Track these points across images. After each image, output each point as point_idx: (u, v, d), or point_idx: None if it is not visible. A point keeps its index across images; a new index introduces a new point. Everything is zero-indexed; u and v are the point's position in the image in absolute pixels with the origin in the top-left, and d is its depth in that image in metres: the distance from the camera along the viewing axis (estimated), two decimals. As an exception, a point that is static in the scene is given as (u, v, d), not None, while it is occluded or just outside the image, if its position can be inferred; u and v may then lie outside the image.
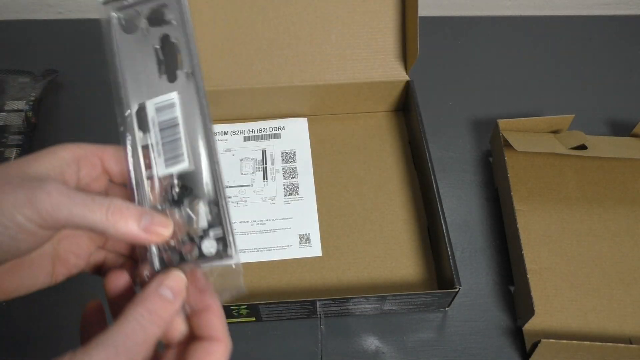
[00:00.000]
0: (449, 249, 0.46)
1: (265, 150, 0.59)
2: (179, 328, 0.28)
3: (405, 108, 0.62)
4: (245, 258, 0.52)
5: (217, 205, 0.29)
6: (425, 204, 0.55)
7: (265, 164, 0.58)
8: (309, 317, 0.48)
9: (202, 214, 0.29)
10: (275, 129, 0.61)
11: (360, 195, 0.56)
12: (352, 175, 0.58)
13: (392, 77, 0.59)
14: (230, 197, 0.54)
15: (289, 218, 0.54)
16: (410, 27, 0.57)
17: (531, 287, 0.45)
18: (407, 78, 0.59)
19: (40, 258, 0.28)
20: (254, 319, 0.48)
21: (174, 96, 0.30)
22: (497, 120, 0.56)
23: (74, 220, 0.25)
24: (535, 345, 0.44)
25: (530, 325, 0.46)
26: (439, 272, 0.50)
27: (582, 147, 0.55)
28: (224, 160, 0.56)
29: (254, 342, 0.48)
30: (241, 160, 0.58)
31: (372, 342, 0.48)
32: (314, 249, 0.53)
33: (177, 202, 0.29)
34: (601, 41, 0.72)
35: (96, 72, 0.68)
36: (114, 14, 0.31)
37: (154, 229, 0.27)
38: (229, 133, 0.61)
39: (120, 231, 0.26)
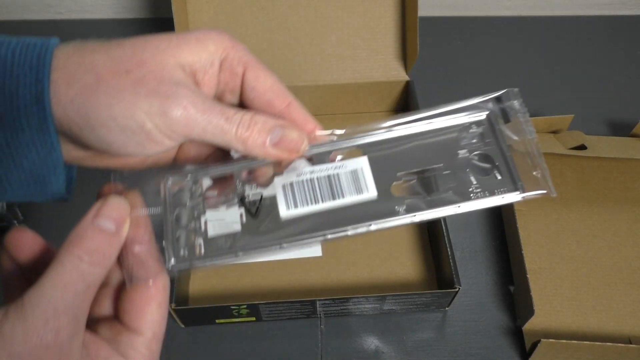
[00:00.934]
0: (448, 249, 0.46)
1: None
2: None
3: (405, 108, 0.62)
4: (245, 258, 0.51)
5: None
6: (425, 204, 0.55)
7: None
8: (309, 317, 0.48)
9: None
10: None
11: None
12: (352, 175, 0.58)
13: (392, 77, 0.59)
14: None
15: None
16: (410, 28, 0.57)
17: (531, 287, 0.45)
18: (407, 78, 0.59)
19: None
20: (254, 318, 0.48)
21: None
22: (497, 120, 0.56)
23: (204, 138, 0.23)
24: (534, 345, 0.44)
25: (530, 325, 0.47)
26: (439, 272, 0.50)
27: (582, 147, 0.55)
28: None
29: (254, 342, 0.48)
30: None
31: (372, 342, 0.48)
32: (314, 249, 0.52)
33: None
34: (601, 41, 0.72)
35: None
36: None
37: (286, 145, 0.25)
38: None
39: (250, 147, 0.24)
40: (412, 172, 0.27)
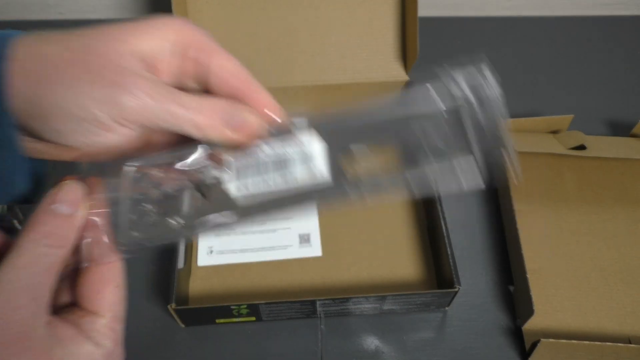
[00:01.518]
0: (448, 249, 0.46)
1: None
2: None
3: (405, 108, 0.62)
4: (245, 258, 0.52)
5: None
6: (425, 203, 0.55)
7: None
8: (309, 317, 0.48)
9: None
10: None
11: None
12: (352, 176, 0.58)
13: (392, 78, 0.59)
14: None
15: (289, 218, 0.54)
16: (410, 28, 0.57)
17: (531, 286, 0.45)
18: (407, 78, 0.59)
19: None
20: (254, 318, 0.48)
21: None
22: (497, 120, 0.56)
23: (160, 125, 0.23)
24: (534, 345, 0.44)
25: (530, 325, 0.47)
26: (439, 272, 0.50)
27: (582, 147, 0.55)
28: None
29: (254, 342, 0.48)
30: None
31: (372, 342, 0.48)
32: (314, 249, 0.52)
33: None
34: (601, 41, 0.72)
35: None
36: None
37: (242, 130, 0.25)
38: None
39: (207, 135, 0.24)
40: (368, 149, 0.27)
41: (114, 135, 0.23)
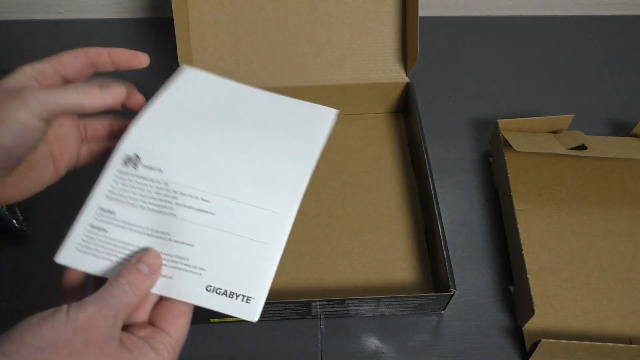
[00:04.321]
0: (445, 252, 0.46)
1: None
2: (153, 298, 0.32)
3: (404, 110, 0.62)
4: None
5: None
6: (423, 206, 0.55)
7: None
8: (304, 318, 0.48)
9: None
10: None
11: (358, 196, 0.56)
12: (350, 177, 0.58)
13: (392, 79, 0.59)
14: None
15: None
16: (410, 29, 0.57)
17: (531, 287, 0.45)
18: (407, 80, 0.59)
19: (43, 159, 0.35)
20: (249, 319, 0.48)
21: None
22: (497, 120, 0.56)
23: (59, 106, 0.31)
24: (535, 345, 0.44)
25: (530, 325, 0.47)
26: (435, 275, 0.50)
27: (582, 147, 0.55)
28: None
29: (254, 342, 0.48)
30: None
31: (372, 343, 0.48)
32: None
33: None
34: (601, 41, 0.72)
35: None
36: None
37: (112, 93, 0.33)
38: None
39: (92, 101, 0.32)
40: None
41: (37, 131, 0.31)
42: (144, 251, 0.32)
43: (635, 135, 0.58)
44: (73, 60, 0.35)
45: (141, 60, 0.36)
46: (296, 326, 0.48)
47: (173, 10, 0.53)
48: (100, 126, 0.38)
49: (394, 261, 0.51)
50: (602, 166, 0.57)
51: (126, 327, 0.30)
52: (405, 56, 0.59)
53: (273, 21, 0.58)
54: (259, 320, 0.48)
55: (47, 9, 0.72)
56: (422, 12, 0.55)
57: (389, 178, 0.57)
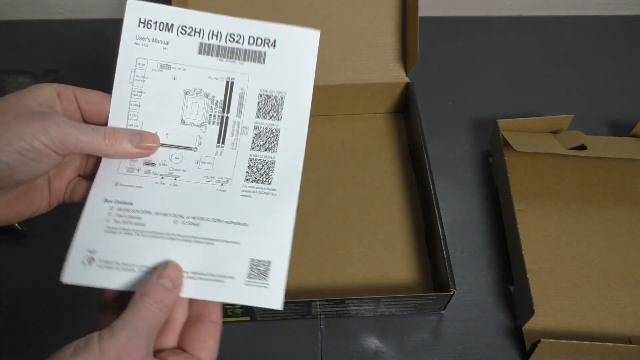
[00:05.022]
0: (444, 252, 0.46)
1: (232, 83, 0.35)
2: (182, 311, 0.32)
3: (404, 110, 0.62)
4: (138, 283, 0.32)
5: None
6: (423, 206, 0.55)
7: (228, 110, 0.35)
8: (304, 318, 0.48)
9: None
10: (259, 42, 0.35)
11: (358, 196, 0.56)
12: (350, 177, 0.58)
13: (392, 79, 0.59)
14: (151, 165, 0.34)
15: (243, 224, 0.33)
16: (410, 29, 0.57)
17: (531, 287, 0.45)
18: (407, 80, 0.59)
19: (40, 187, 0.34)
20: (248, 318, 0.48)
21: None
22: (497, 120, 0.56)
23: (80, 146, 0.30)
24: (535, 345, 0.44)
25: (530, 325, 0.47)
26: (435, 275, 0.50)
27: (582, 147, 0.55)
28: (154, 83, 0.34)
29: (254, 341, 0.48)
30: (186, 93, 0.34)
31: (372, 342, 0.48)
32: (271, 294, 0.32)
33: None
34: (601, 41, 0.72)
35: (96, 72, 0.68)
36: None
37: (145, 145, 0.33)
38: (175, 29, 0.35)
39: (118, 152, 0.32)
40: None
41: (49, 160, 0.30)
42: (164, 265, 0.31)
43: (635, 135, 0.58)
44: (99, 102, 0.33)
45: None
46: (296, 326, 0.48)
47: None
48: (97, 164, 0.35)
49: (394, 261, 0.51)
50: (602, 166, 0.57)
51: (157, 353, 0.30)
52: (405, 56, 0.59)
53: (273, 21, 0.58)
54: (255, 320, 0.48)
55: (47, 9, 0.72)
56: (422, 12, 0.55)
57: (389, 178, 0.57)
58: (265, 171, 0.34)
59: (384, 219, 0.54)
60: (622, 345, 0.43)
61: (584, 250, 0.52)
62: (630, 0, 0.73)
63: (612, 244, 0.52)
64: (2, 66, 0.64)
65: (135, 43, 0.34)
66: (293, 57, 0.35)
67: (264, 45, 0.35)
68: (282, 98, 0.35)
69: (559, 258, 0.51)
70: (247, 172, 0.34)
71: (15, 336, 0.47)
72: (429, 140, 0.55)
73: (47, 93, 0.31)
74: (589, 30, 0.73)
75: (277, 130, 0.35)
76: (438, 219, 0.48)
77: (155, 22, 0.34)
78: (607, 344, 0.43)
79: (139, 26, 0.34)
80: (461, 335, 0.48)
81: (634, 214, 0.54)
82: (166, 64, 0.34)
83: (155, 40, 0.34)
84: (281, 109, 0.35)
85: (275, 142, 0.35)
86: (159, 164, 0.34)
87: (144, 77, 0.34)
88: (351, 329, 0.48)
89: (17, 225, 0.52)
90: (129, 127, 0.34)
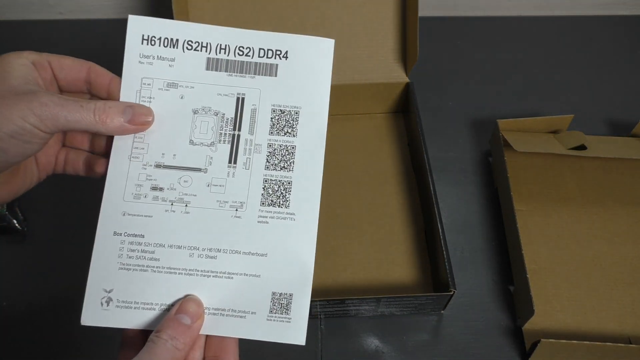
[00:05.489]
0: (444, 252, 0.46)
1: (242, 99, 0.33)
2: (199, 353, 0.30)
3: (405, 110, 0.62)
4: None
5: None
6: (423, 206, 0.55)
7: (239, 128, 0.33)
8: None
9: None
10: (270, 54, 0.33)
11: (357, 196, 0.56)
12: (350, 177, 0.58)
13: (392, 79, 0.59)
14: (159, 190, 0.32)
15: (262, 254, 0.32)
16: (410, 29, 0.57)
17: (531, 287, 0.45)
18: (407, 80, 0.59)
19: (29, 162, 0.33)
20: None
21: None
22: (497, 120, 0.56)
23: (70, 125, 0.29)
24: (534, 345, 0.44)
25: (530, 325, 0.47)
26: (435, 275, 0.50)
27: (582, 147, 0.55)
28: (161, 104, 0.33)
29: (254, 341, 0.48)
30: (195, 112, 0.33)
31: (372, 342, 0.48)
32: (294, 329, 0.32)
33: None
34: (601, 41, 0.72)
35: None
36: None
37: (138, 119, 0.31)
38: (181, 45, 0.33)
39: (110, 128, 0.30)
40: None
41: (40, 140, 0.29)
42: (183, 299, 0.30)
43: (635, 135, 0.58)
44: (75, 69, 0.32)
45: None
46: (296, 326, 0.48)
47: (173, 10, 0.53)
48: (80, 135, 0.35)
49: (394, 261, 0.52)
50: (601, 166, 0.57)
51: None
52: (405, 56, 0.59)
53: (273, 21, 0.58)
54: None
55: (47, 9, 0.72)
56: (422, 12, 0.55)
57: (389, 178, 0.57)
58: (282, 193, 0.32)
59: (384, 219, 0.54)
60: (622, 345, 0.43)
61: (583, 250, 0.52)
62: (630, 0, 0.73)
63: (611, 244, 0.52)
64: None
65: (140, 62, 0.33)
66: (307, 69, 0.33)
67: (275, 57, 0.33)
68: (296, 112, 0.33)
69: (559, 258, 0.51)
70: (262, 194, 0.32)
71: (15, 336, 0.47)
72: (429, 140, 0.55)
73: (23, 66, 0.30)
74: (589, 30, 0.73)
75: (293, 147, 0.33)
76: (438, 219, 0.48)
77: (160, 38, 0.33)
78: (607, 344, 0.43)
79: (142, 43, 0.33)
80: (461, 335, 0.48)
81: (634, 214, 0.54)
82: (173, 83, 0.33)
83: (160, 58, 0.33)
84: (296, 124, 0.33)
85: (291, 160, 0.33)
86: (167, 188, 0.32)
87: (150, 97, 0.33)
88: (351, 328, 0.48)
89: (17, 225, 0.52)
90: (134, 149, 0.32)
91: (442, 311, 0.49)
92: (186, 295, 0.30)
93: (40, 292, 0.49)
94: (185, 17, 0.56)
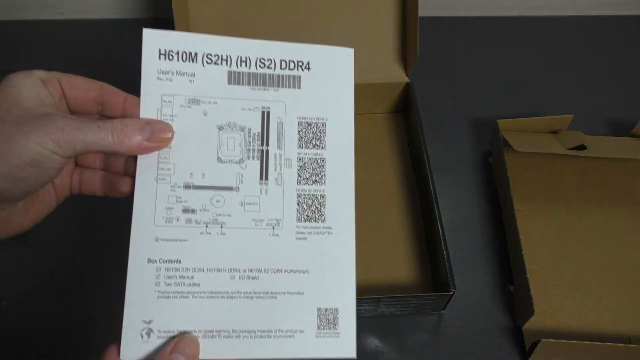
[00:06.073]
0: (444, 252, 0.46)
1: (268, 112, 0.33)
2: None
3: (404, 110, 0.62)
4: (212, 350, 0.30)
5: None
6: (423, 206, 0.55)
7: (267, 143, 0.32)
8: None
9: None
10: (292, 65, 0.33)
11: (358, 196, 0.56)
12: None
13: (392, 79, 0.59)
14: (191, 212, 0.31)
15: (304, 271, 0.32)
16: (410, 29, 0.57)
17: (531, 287, 0.45)
18: (406, 80, 0.59)
19: (47, 186, 0.32)
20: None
21: None
22: (497, 120, 0.56)
23: (88, 147, 0.28)
24: (534, 345, 0.44)
25: (530, 325, 0.47)
26: (435, 275, 0.50)
27: (582, 147, 0.55)
28: (184, 121, 0.32)
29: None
30: (220, 128, 0.32)
31: (372, 342, 0.48)
32: (344, 343, 0.31)
33: None
34: (601, 41, 0.72)
35: (96, 73, 0.68)
36: None
37: (157, 136, 0.30)
38: (200, 59, 0.32)
39: (128, 147, 0.29)
40: None
41: (58, 165, 0.28)
42: (180, 337, 0.29)
43: (635, 135, 0.58)
44: (85, 87, 0.31)
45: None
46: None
47: (173, 10, 0.53)
48: (92, 153, 0.34)
49: (394, 261, 0.52)
50: (601, 166, 0.57)
51: None
52: (405, 56, 0.59)
53: (273, 21, 0.58)
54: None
55: (47, 9, 0.72)
56: (422, 12, 0.55)
57: (389, 178, 0.57)
58: (317, 207, 0.32)
59: (383, 219, 0.54)
60: (622, 345, 0.43)
61: (584, 250, 0.52)
62: (630, 0, 0.73)
63: (612, 244, 0.52)
64: (2, 66, 0.64)
65: (158, 78, 0.32)
66: (329, 79, 0.33)
67: (297, 68, 0.33)
68: (323, 124, 0.33)
69: (559, 258, 0.51)
70: (297, 210, 0.32)
71: (15, 336, 0.47)
72: (429, 140, 0.55)
73: (34, 85, 0.29)
74: (589, 30, 0.73)
75: (323, 160, 0.33)
76: (438, 219, 0.48)
77: (177, 53, 0.32)
78: (607, 344, 0.43)
79: (159, 58, 0.32)
80: (461, 335, 0.48)
81: (634, 214, 0.54)
82: (195, 99, 0.32)
83: (179, 73, 0.32)
84: (324, 136, 0.33)
85: (322, 173, 0.32)
86: (200, 210, 0.31)
87: (172, 115, 0.31)
88: (351, 329, 0.48)
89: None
90: (160, 170, 0.31)
91: (442, 311, 0.49)
92: (183, 332, 0.29)
93: (41, 292, 0.49)
94: (185, 17, 0.56)
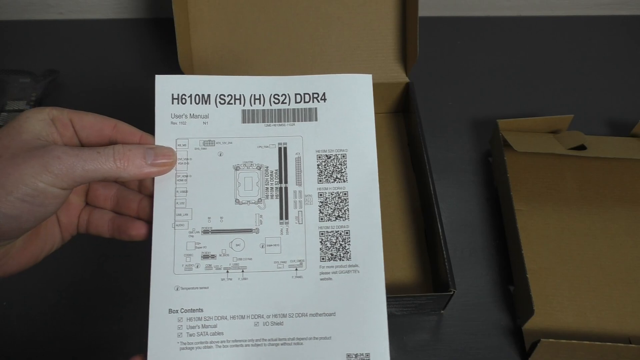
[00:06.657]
0: (444, 252, 0.46)
1: (285, 148, 0.32)
2: None
3: (404, 110, 0.62)
4: None
5: None
6: (423, 206, 0.55)
7: (285, 180, 0.32)
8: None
9: None
10: (307, 98, 0.33)
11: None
12: (352, 176, 0.57)
13: (392, 79, 0.59)
14: (211, 257, 0.30)
15: (330, 314, 0.30)
16: (410, 29, 0.57)
17: (531, 286, 0.46)
18: (406, 80, 0.59)
19: (49, 223, 0.30)
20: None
21: None
22: (497, 120, 0.56)
23: (88, 176, 0.27)
24: (534, 345, 0.44)
25: (530, 325, 0.47)
26: (435, 275, 0.50)
27: (582, 147, 0.55)
28: (199, 164, 0.31)
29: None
30: (236, 168, 0.31)
31: (372, 342, 0.48)
32: None
33: None
34: (601, 41, 0.72)
35: (96, 72, 0.68)
36: None
37: (159, 162, 0.29)
38: (213, 100, 0.32)
39: (132, 173, 0.28)
40: None
41: (56, 200, 0.27)
42: None
43: (634, 135, 0.58)
44: (98, 127, 0.29)
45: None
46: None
47: (173, 10, 0.53)
48: (103, 193, 0.32)
49: (394, 261, 0.52)
50: (601, 166, 0.57)
51: None
52: (405, 56, 0.59)
53: (273, 21, 0.58)
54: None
55: (47, 9, 0.72)
56: (422, 12, 0.55)
57: (389, 178, 0.57)
58: (341, 244, 0.31)
59: (383, 219, 0.53)
60: (622, 345, 0.43)
61: (583, 250, 0.52)
62: (630, 0, 0.73)
63: (612, 244, 0.52)
64: (2, 66, 0.64)
65: (172, 122, 0.31)
66: (348, 108, 0.32)
67: (312, 100, 0.32)
68: (343, 156, 0.31)
69: (559, 258, 0.51)
70: (320, 248, 0.30)
71: (15, 336, 0.47)
72: (429, 140, 0.55)
73: (41, 122, 0.28)
74: (589, 30, 0.73)
75: (345, 194, 0.31)
76: (438, 219, 0.48)
77: (190, 96, 0.31)
78: (607, 343, 0.43)
79: (172, 103, 0.31)
80: (461, 335, 0.48)
81: (634, 214, 0.54)
82: (209, 140, 0.31)
83: (193, 116, 0.31)
84: (345, 169, 0.31)
85: (345, 208, 0.31)
86: (220, 255, 0.30)
87: (187, 158, 0.31)
88: (351, 328, 0.48)
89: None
90: (177, 216, 0.30)
91: (442, 311, 0.49)
92: None
93: (41, 291, 0.49)
94: (186, 18, 0.56)
